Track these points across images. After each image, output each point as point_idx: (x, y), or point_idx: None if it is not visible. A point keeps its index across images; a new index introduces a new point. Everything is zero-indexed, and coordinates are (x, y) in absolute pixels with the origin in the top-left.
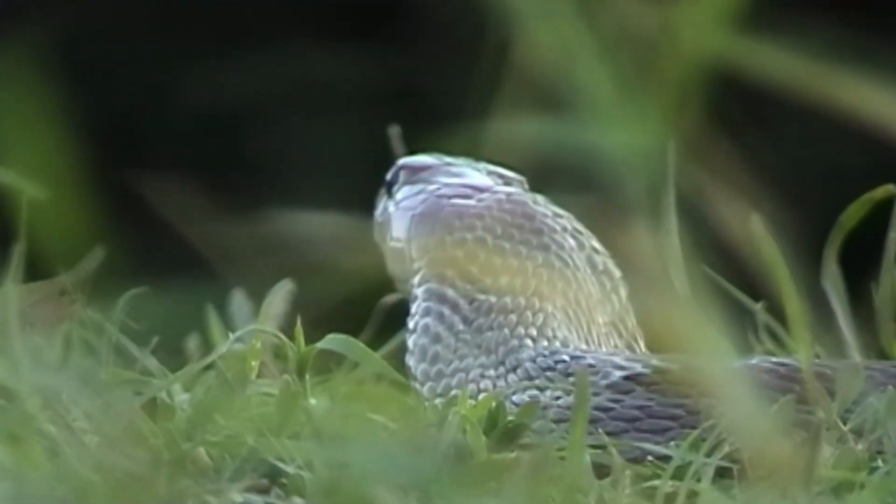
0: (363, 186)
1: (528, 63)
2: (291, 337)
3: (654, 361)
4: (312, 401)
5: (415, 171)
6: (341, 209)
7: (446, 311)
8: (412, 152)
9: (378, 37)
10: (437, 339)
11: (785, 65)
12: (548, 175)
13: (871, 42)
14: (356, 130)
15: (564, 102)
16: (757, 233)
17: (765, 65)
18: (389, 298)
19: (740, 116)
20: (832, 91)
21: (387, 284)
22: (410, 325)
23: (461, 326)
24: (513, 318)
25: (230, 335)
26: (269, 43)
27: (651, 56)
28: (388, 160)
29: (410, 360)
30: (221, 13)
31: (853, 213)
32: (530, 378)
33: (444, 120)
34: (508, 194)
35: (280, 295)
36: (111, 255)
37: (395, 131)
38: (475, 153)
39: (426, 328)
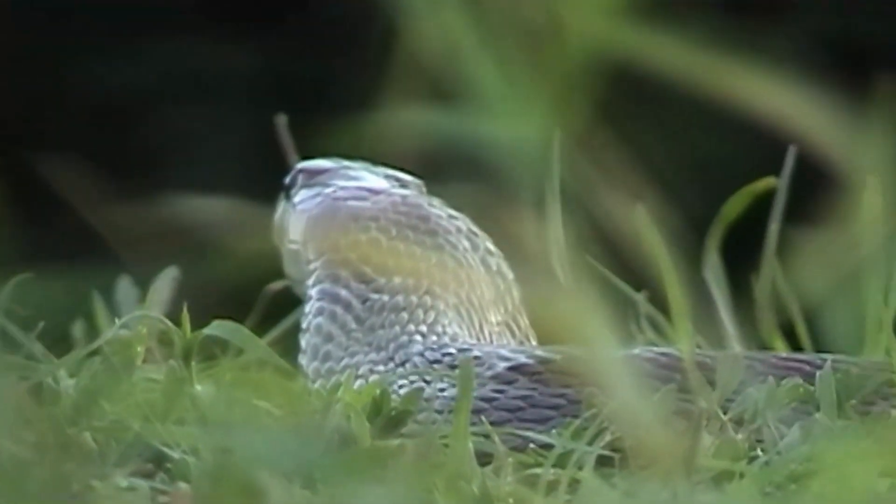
0: (252, 173)
1: (417, 53)
2: (177, 323)
3: (538, 352)
4: (198, 387)
5: (313, 174)
6: (231, 195)
7: (339, 310)
8: (301, 142)
9: (268, 26)
10: (329, 338)
11: (670, 55)
12: (436, 165)
13: (753, 33)
14: (246, 119)
15: (453, 92)
16: (640, 223)
17: (650, 55)
18: (275, 285)
19: (625, 106)
20: (716, 82)
21: (273, 271)
22: (304, 324)
23: (353, 325)
24: (404, 316)
25: (116, 321)
26: (165, 32)
27: (538, 46)
28: (277, 149)
29: (303, 360)
30: (117, 4)
31: (734, 205)
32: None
33: (334, 109)
34: (404, 196)
35: (166, 281)
36: (2, 238)
37: (281, 120)
38: (364, 143)
39: (319, 328)
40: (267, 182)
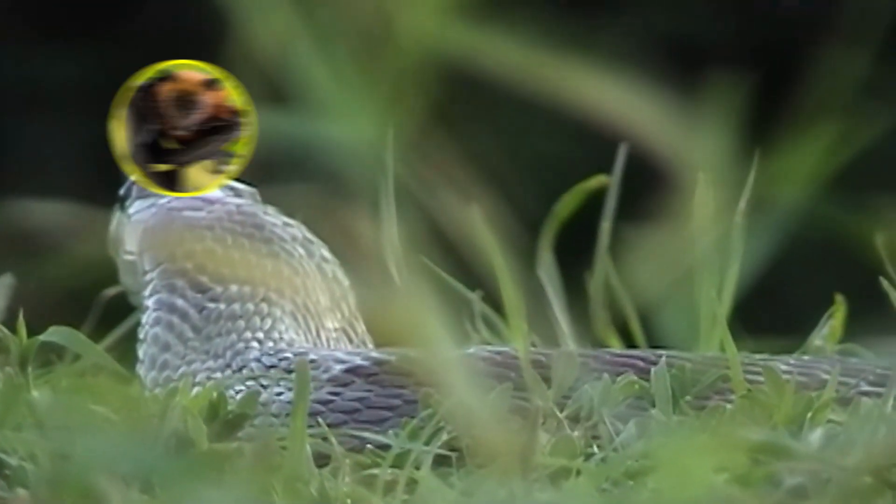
0: (88, 180)
1: (251, 56)
2: (13, 329)
3: (374, 354)
4: (35, 393)
5: None
6: (68, 202)
7: (176, 320)
8: None
9: (102, 34)
10: (166, 347)
11: (503, 55)
12: (270, 167)
13: (586, 31)
14: (82, 126)
15: (287, 94)
16: (474, 223)
17: (484, 55)
18: (110, 290)
19: (459, 107)
20: (549, 81)
21: (109, 277)
22: (141, 335)
23: (190, 334)
24: (241, 323)
25: None
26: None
27: (371, 47)
28: (112, 156)
29: (141, 370)
30: None
31: (567, 204)
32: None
33: None
34: (239, 206)
35: (1, 288)
36: None
37: None
38: None
39: (156, 338)
40: (103, 188)
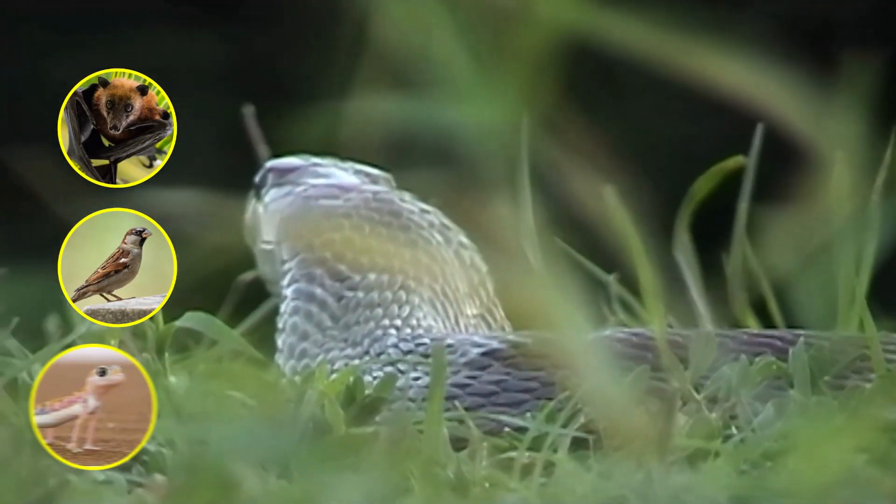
0: (221, 164)
1: (385, 41)
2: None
3: (511, 337)
4: (172, 378)
5: (282, 173)
6: (201, 187)
7: (315, 309)
8: (269, 133)
9: (235, 17)
10: (305, 336)
11: (638, 36)
12: (405, 152)
13: (720, 14)
14: (215, 110)
15: (421, 79)
16: (610, 205)
17: (618, 37)
18: (247, 276)
19: (594, 89)
20: (684, 62)
21: (245, 261)
22: (280, 324)
23: (329, 323)
24: (379, 311)
25: None
26: (135, 25)
27: (506, 30)
28: (246, 140)
29: (280, 359)
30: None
31: (704, 184)
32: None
33: (303, 100)
34: (375, 193)
35: None
36: None
37: (249, 111)
38: (333, 133)
39: (295, 327)
40: (237, 173)
